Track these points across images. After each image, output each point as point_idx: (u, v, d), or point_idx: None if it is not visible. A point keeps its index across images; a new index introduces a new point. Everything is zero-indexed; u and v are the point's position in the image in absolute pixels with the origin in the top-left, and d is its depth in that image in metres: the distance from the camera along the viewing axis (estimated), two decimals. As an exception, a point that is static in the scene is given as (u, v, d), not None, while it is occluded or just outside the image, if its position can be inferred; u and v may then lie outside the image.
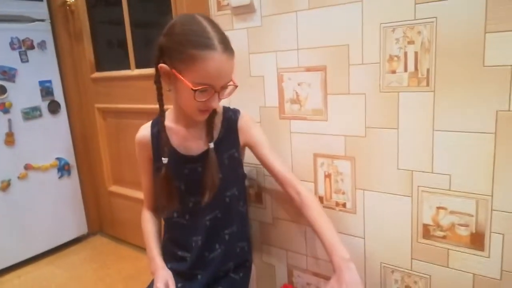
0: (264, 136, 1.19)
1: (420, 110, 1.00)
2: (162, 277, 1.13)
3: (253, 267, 1.32)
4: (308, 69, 1.19)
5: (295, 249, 1.37)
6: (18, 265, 2.10)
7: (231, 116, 1.17)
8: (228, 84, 1.02)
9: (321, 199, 1.25)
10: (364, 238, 1.18)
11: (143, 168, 1.25)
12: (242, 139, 1.18)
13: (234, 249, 1.22)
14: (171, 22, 1.02)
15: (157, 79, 1.07)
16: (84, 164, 2.35)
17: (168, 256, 1.22)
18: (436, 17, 0.94)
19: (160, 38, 1.02)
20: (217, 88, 0.99)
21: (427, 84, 0.98)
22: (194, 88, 0.96)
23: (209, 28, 0.98)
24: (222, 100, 1.05)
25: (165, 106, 1.11)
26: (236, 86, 1.05)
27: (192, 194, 1.16)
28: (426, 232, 1.06)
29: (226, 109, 1.19)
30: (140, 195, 1.33)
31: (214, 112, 1.13)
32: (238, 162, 1.20)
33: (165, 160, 1.12)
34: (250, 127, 1.18)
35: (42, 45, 2.10)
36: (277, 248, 1.42)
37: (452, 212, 1.01)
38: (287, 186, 1.15)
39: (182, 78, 0.97)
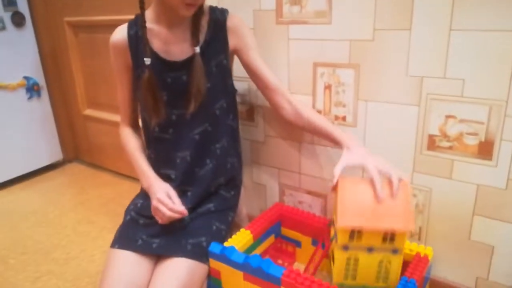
0: (255, 41, 1.10)
1: (437, 7, 0.90)
2: (161, 189, 1.03)
3: (242, 187, 1.26)
4: (311, -35, 1.06)
5: (287, 167, 1.31)
6: (-11, 189, 2.00)
7: (218, 17, 1.06)
8: None
9: (318, 113, 1.17)
10: (364, 152, 1.12)
11: (119, 77, 1.13)
12: (231, 42, 1.07)
13: (225, 164, 1.15)
14: None
15: None
16: (55, 84, 2.17)
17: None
18: None
19: None
20: None
21: (449, -24, 0.87)
22: None
23: None
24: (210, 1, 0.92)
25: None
26: None
27: (175, 106, 1.06)
28: (431, 143, 1.00)
29: (212, 9, 1.07)
30: (118, 118, 1.19)
31: (200, 11, 1.02)
32: (227, 70, 1.10)
33: (147, 60, 1.00)
34: (241, 27, 1.08)
35: None
36: (269, 167, 1.36)
37: (461, 121, 0.95)
38: (277, 95, 1.08)
39: None
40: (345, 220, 0.85)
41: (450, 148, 0.98)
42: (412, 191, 1.07)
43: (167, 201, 0.99)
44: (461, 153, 0.97)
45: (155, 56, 1.03)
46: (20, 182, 2.09)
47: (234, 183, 1.21)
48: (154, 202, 1.00)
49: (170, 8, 0.97)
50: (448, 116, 0.96)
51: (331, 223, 1.04)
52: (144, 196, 1.12)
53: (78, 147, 2.34)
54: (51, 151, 2.22)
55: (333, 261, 0.94)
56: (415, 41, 0.95)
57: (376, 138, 1.09)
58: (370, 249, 0.88)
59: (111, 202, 1.84)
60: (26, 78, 2.02)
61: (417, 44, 0.95)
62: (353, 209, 0.86)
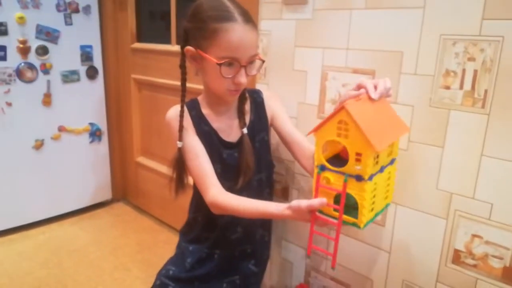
0: (285, 110, 1.21)
1: (470, 132, 0.95)
2: (311, 202, 0.86)
3: (269, 262, 1.31)
4: (356, 71, 1.14)
5: (315, 251, 1.35)
6: (44, 221, 2.18)
7: (257, 99, 1.18)
8: (254, 58, 1.01)
9: (350, 206, 1.21)
10: (389, 253, 1.15)
11: (197, 146, 1.09)
12: (269, 114, 1.19)
13: (254, 234, 1.22)
14: (193, 4, 1.02)
15: (182, 63, 1.09)
16: (115, 132, 2.38)
17: (191, 237, 1.23)
18: (503, 36, 0.87)
19: (184, 22, 1.04)
20: (242, 61, 0.98)
21: (483, 106, 0.92)
22: (219, 62, 0.96)
23: (228, 3, 0.99)
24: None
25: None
26: (263, 61, 1.05)
27: (227, 179, 1.13)
28: (456, 258, 1.02)
29: (250, 92, 1.19)
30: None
31: (243, 97, 1.14)
32: (267, 146, 1.21)
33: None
34: (273, 98, 1.21)
35: (87, 9, 2.10)
36: (297, 246, 1.41)
37: (487, 242, 0.96)
38: (311, 158, 1.09)
39: (207, 55, 0.98)
40: (379, 142, 0.76)
41: (475, 266, 0.99)
42: None
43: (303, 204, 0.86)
44: (485, 274, 0.97)
45: (214, 133, 1.13)
46: (71, 217, 2.26)
47: (261, 257, 1.27)
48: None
49: (218, 95, 1.08)
50: (474, 235, 0.98)
51: (321, 168, 0.85)
52: (176, 262, 1.21)
53: (126, 189, 2.51)
54: (102, 190, 2.40)
55: (357, 205, 0.81)
56: (447, 159, 0.99)
57: (403, 242, 1.12)
58: (382, 169, 0.83)
59: (147, 251, 1.95)
60: (91, 124, 2.24)
61: (449, 162, 0.99)
62: (374, 129, 0.78)
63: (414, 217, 1.08)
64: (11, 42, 1.88)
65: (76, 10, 2.06)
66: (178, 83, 1.12)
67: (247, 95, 1.16)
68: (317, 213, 0.85)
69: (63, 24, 2.03)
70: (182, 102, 1.10)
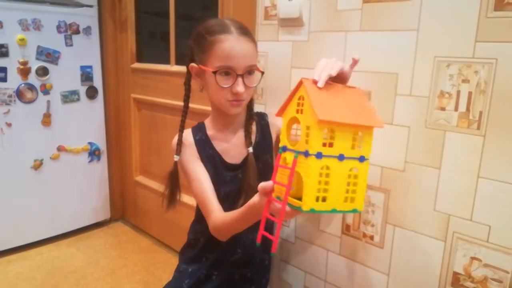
0: None
1: (466, 154, 0.94)
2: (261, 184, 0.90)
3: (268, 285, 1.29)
4: (351, 93, 1.15)
5: (314, 272, 1.33)
6: (42, 242, 2.16)
7: (262, 121, 1.20)
8: (252, 68, 1.03)
9: (347, 227, 1.20)
10: (388, 275, 1.13)
11: (199, 171, 1.11)
12: (273, 133, 1.19)
13: (254, 257, 1.21)
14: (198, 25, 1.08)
15: (186, 81, 1.14)
16: (114, 151, 2.38)
17: (188, 258, 1.23)
18: (496, 59, 0.88)
19: (189, 41, 1.09)
20: (237, 70, 1.01)
21: (478, 128, 0.92)
22: (214, 71, 1.00)
23: (227, 21, 1.05)
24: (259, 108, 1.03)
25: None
26: (262, 73, 1.07)
27: (229, 200, 1.14)
28: (456, 281, 1.00)
29: (256, 114, 1.20)
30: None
31: (250, 116, 1.15)
32: (271, 169, 1.18)
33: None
34: (276, 119, 1.17)
35: (88, 30, 2.13)
36: (296, 268, 1.39)
37: (486, 265, 0.95)
38: None
39: (205, 67, 1.03)
40: (325, 113, 0.74)
41: (475, 290, 0.97)
42: None
43: None
44: (486, 297, 0.96)
45: (218, 157, 1.14)
46: (68, 238, 2.24)
47: (261, 282, 1.25)
48: None
49: (223, 111, 1.09)
50: (473, 258, 0.97)
51: (282, 149, 0.84)
52: (174, 285, 1.20)
53: (125, 208, 2.49)
54: (100, 210, 2.39)
55: (303, 181, 0.78)
56: (444, 180, 0.99)
57: (401, 264, 1.10)
58: (341, 157, 0.78)
59: (144, 272, 1.92)
60: (90, 143, 2.24)
61: (446, 183, 0.99)
62: (327, 105, 0.77)
63: (412, 239, 1.07)
64: (11, 64, 1.90)
65: (77, 32, 2.09)
66: (178, 102, 1.15)
67: (254, 116, 1.17)
68: (274, 197, 0.82)
69: (63, 45, 2.05)
70: (183, 118, 1.15)
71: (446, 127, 0.97)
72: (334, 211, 0.79)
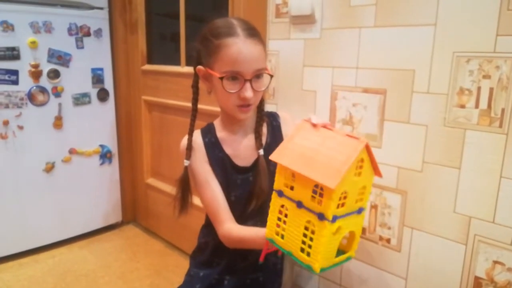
0: None
1: (488, 153, 0.90)
2: None
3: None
4: (366, 91, 1.11)
5: (328, 276, 1.30)
6: (54, 245, 2.15)
7: (273, 122, 1.16)
8: (260, 72, 0.99)
9: (363, 230, 1.17)
10: (406, 279, 1.09)
11: (209, 176, 1.09)
12: (284, 134, 1.15)
13: (266, 261, 1.17)
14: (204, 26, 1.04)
15: (194, 83, 1.10)
16: (126, 153, 2.37)
17: (199, 262, 1.20)
18: (520, 52, 0.84)
19: (196, 43, 1.05)
20: (245, 75, 0.97)
21: (500, 126, 0.88)
22: (220, 76, 0.96)
23: (234, 21, 1.00)
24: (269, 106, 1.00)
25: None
26: (272, 76, 1.03)
27: (240, 204, 1.11)
28: (477, 286, 0.96)
29: (267, 115, 1.16)
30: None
31: (260, 118, 1.12)
32: None
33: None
34: (290, 122, 1.18)
35: (98, 33, 2.13)
36: (310, 272, 1.35)
37: (510, 269, 0.90)
38: None
39: (212, 71, 0.99)
40: (279, 157, 0.79)
41: (498, 295, 0.93)
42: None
43: None
44: (510, 303, 0.91)
45: (228, 160, 1.11)
46: (80, 240, 2.24)
47: (272, 286, 1.22)
48: None
49: (232, 116, 1.06)
50: (496, 262, 0.92)
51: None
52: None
53: (136, 211, 2.48)
54: (112, 213, 2.38)
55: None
56: (464, 181, 0.95)
57: (419, 268, 1.06)
58: (299, 204, 0.76)
59: (156, 275, 1.90)
60: (101, 146, 2.23)
61: (466, 184, 0.94)
62: (293, 150, 0.78)
63: (431, 242, 1.03)
64: (23, 67, 1.90)
65: (88, 34, 2.09)
66: (189, 104, 1.12)
67: (264, 117, 1.14)
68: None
69: (74, 47, 2.05)
70: (192, 121, 1.11)
71: (466, 125, 0.93)
72: (290, 254, 0.80)
